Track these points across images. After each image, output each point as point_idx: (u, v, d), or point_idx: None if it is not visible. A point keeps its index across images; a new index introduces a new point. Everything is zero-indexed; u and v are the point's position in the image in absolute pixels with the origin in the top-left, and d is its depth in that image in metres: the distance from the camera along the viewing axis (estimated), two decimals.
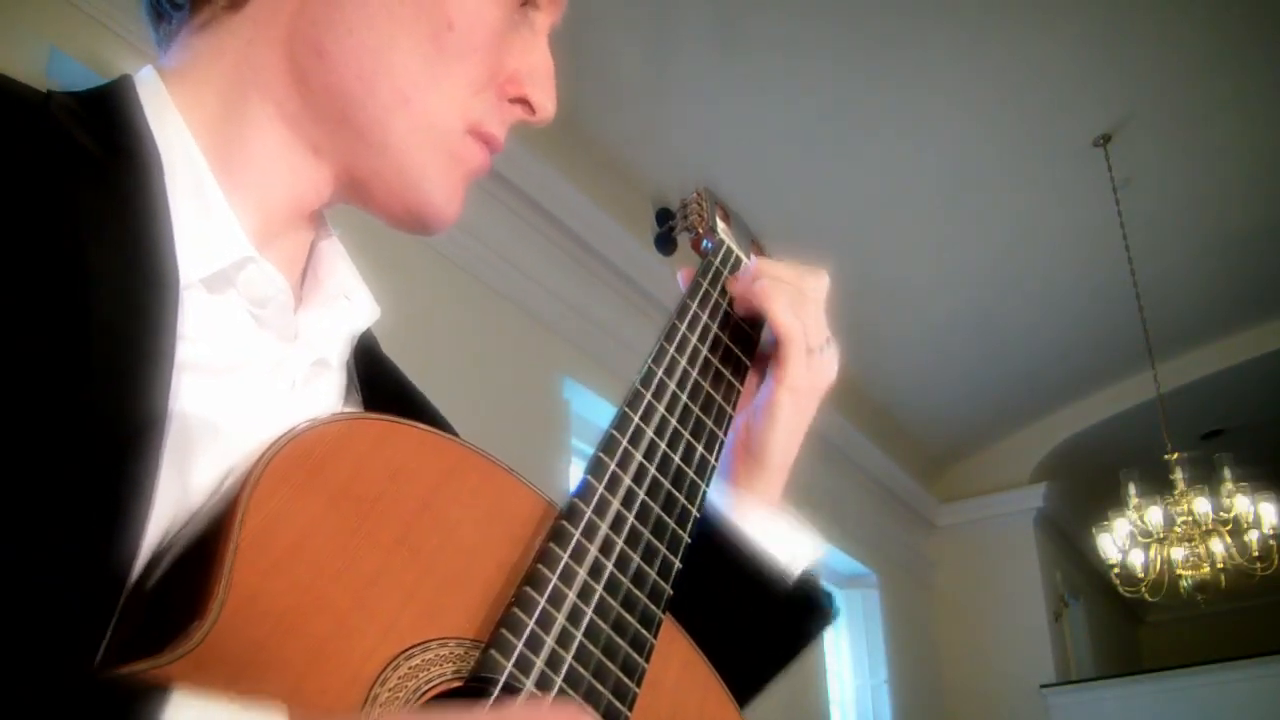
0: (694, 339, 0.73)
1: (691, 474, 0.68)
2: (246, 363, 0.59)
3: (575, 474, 3.37)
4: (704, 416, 0.71)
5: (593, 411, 3.98)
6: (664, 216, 0.84)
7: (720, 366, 0.74)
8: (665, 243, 0.83)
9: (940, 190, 4.66)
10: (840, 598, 5.96)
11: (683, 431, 0.69)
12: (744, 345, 0.78)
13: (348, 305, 0.68)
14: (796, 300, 0.77)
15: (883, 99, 4.14)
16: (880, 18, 3.79)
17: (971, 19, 3.85)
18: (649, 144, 4.05)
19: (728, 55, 3.84)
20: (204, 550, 0.47)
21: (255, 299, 0.61)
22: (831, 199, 4.55)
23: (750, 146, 4.20)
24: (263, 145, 0.63)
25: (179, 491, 0.52)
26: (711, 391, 0.73)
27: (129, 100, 0.61)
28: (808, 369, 0.77)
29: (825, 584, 0.79)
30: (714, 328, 0.75)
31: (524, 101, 0.67)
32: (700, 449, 0.69)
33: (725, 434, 0.72)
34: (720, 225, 0.82)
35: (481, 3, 0.64)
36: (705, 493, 0.69)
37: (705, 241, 0.81)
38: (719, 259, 0.80)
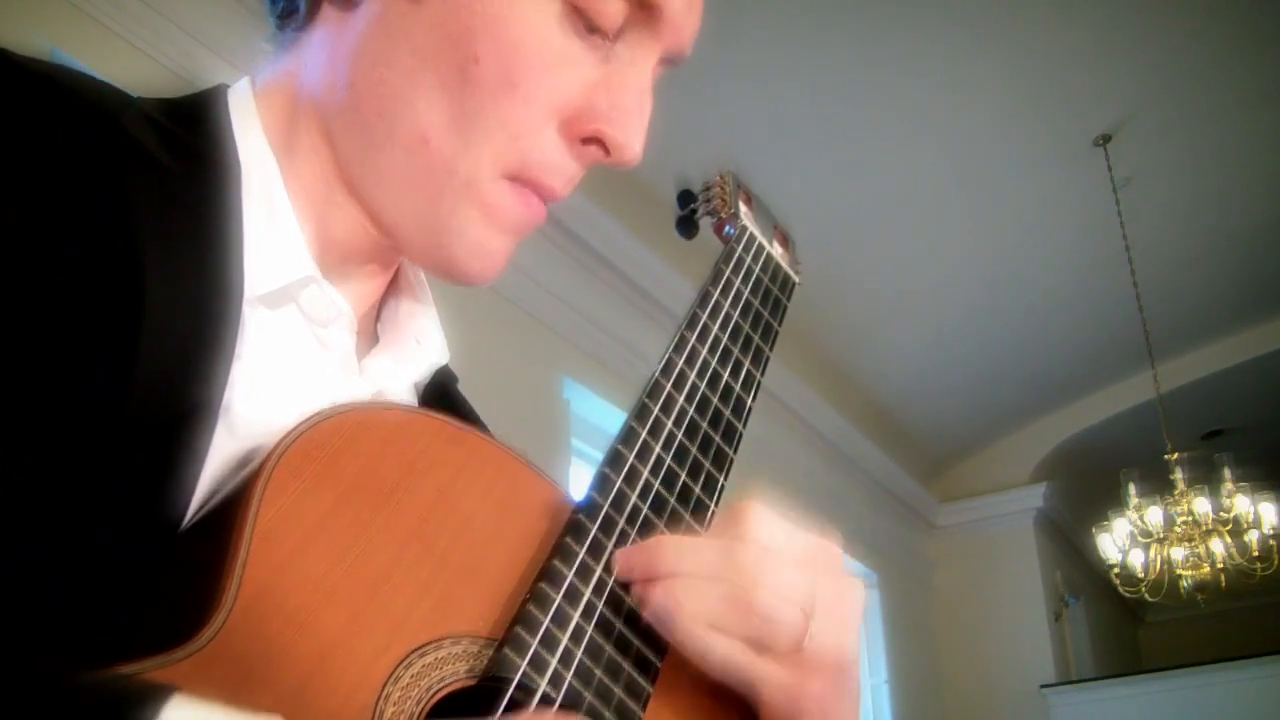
0: (715, 328, 0.72)
1: (709, 466, 0.67)
2: (304, 378, 0.58)
3: (576, 474, 3.38)
4: (723, 408, 0.69)
5: (593, 411, 3.97)
6: (686, 199, 0.81)
7: (740, 357, 0.73)
8: (687, 226, 0.80)
9: (940, 190, 4.66)
10: None
11: (700, 423, 0.67)
12: (766, 335, 0.76)
13: (416, 348, 0.66)
14: (729, 603, 0.53)
15: (882, 100, 4.14)
16: (878, 20, 3.79)
17: (972, 20, 3.85)
18: (648, 144, 4.04)
19: (727, 57, 3.83)
20: (218, 542, 0.46)
21: (317, 319, 0.59)
22: (830, 200, 4.55)
23: (750, 147, 4.20)
24: (311, 175, 0.61)
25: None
26: (731, 383, 0.71)
27: (216, 110, 0.59)
28: (789, 676, 0.54)
29: None
30: (735, 316, 0.74)
31: (598, 141, 0.59)
32: (718, 441, 0.68)
33: (744, 426, 0.71)
34: (743, 209, 0.79)
35: (521, 33, 0.55)
36: (722, 486, 0.67)
37: (728, 227, 0.78)
38: (742, 246, 0.78)
